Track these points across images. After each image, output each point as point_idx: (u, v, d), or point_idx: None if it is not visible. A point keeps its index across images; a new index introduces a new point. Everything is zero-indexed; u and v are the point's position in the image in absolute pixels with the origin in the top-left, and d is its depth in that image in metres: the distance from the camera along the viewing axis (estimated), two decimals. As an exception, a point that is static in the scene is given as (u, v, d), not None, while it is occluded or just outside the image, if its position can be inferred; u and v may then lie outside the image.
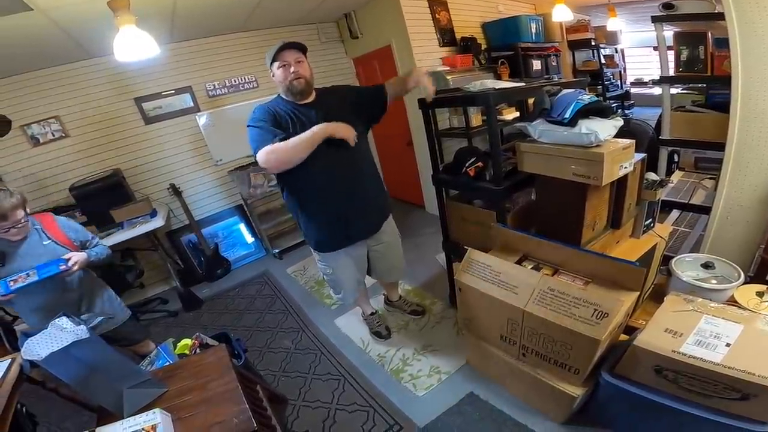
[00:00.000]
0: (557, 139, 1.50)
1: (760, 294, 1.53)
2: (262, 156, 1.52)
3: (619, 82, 5.05)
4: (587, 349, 1.35)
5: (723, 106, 1.89)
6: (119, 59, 1.83)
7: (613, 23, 4.26)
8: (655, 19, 2.20)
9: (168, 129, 3.43)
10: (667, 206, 2.42)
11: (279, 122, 1.59)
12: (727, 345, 1.17)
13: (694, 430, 1.28)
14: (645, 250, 1.72)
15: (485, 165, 1.82)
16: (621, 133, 1.58)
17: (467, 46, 3.60)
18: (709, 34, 2.11)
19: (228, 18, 3.07)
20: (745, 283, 1.60)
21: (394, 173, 4.37)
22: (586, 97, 1.47)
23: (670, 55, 2.28)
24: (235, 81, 3.61)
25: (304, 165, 1.55)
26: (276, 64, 1.60)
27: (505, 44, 3.74)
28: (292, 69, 1.59)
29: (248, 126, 1.61)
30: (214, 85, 3.52)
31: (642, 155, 1.63)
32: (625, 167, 1.45)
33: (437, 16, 3.63)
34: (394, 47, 3.52)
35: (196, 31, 3.21)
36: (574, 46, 4.86)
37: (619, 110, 4.90)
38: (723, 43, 1.85)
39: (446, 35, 3.66)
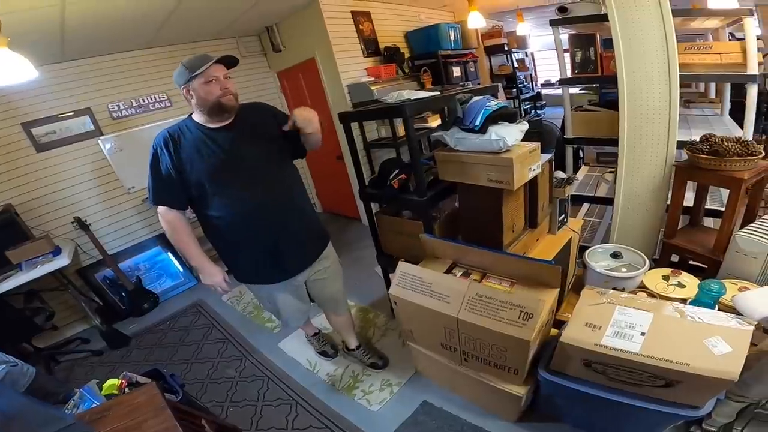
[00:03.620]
0: (471, 147, 1.53)
1: (665, 278, 1.65)
2: (159, 210, 1.47)
3: (531, 84, 5.45)
4: (520, 350, 1.39)
5: (615, 104, 2.04)
6: (-7, 83, 1.61)
7: (521, 28, 4.58)
8: (552, 23, 2.36)
9: (65, 156, 3.05)
10: (578, 200, 2.61)
11: (176, 158, 1.40)
12: (642, 334, 1.21)
13: (632, 418, 1.34)
14: (562, 245, 1.82)
15: (409, 176, 1.82)
16: (534, 134, 1.67)
17: (391, 55, 3.65)
18: (598, 36, 2.30)
19: (132, 33, 2.81)
20: (651, 268, 1.73)
21: (328, 188, 4.32)
22: (494, 104, 1.52)
23: (571, 58, 2.46)
24: (144, 100, 3.31)
25: (220, 193, 1.42)
26: (199, 80, 1.36)
27: (427, 52, 3.85)
28: (221, 85, 1.38)
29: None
30: (118, 106, 3.19)
31: (549, 156, 1.73)
32: (534, 169, 1.52)
33: (361, 27, 3.64)
34: (319, 60, 3.47)
35: (93, 48, 2.90)
36: (490, 51, 5.16)
37: (533, 111, 5.29)
38: (609, 43, 1.97)
39: (370, 46, 3.69)
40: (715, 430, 1.39)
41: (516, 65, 5.09)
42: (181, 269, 3.61)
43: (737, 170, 1.60)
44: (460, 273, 1.65)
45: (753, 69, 1.83)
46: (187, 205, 1.49)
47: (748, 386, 1.27)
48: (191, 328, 2.91)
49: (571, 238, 1.87)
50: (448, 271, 1.67)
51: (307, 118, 1.45)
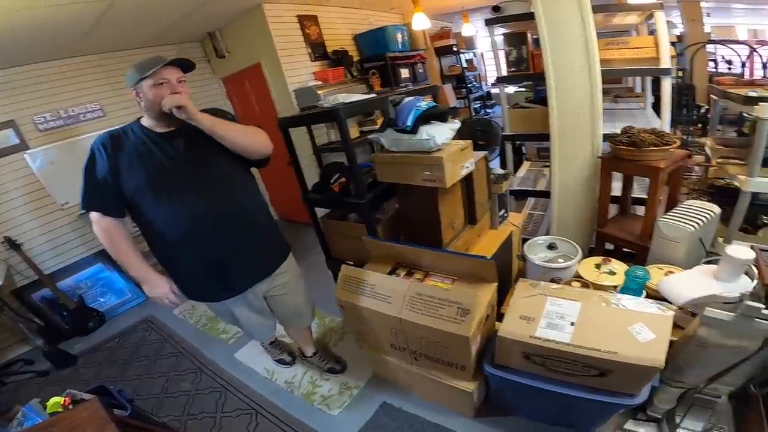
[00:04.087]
0: (405, 147, 1.55)
1: (597, 266, 1.72)
2: (91, 217, 1.35)
3: (480, 84, 5.61)
4: (462, 346, 1.40)
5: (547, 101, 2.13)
6: None
7: (467, 29, 4.69)
8: (488, 23, 2.43)
9: (-14, 173, 2.81)
10: (521, 194, 2.70)
11: (114, 161, 1.30)
12: (572, 324, 1.22)
13: (576, 408, 1.37)
14: (503, 240, 1.87)
15: (349, 179, 1.81)
16: (482, 132, 1.69)
17: (339, 59, 3.63)
18: (529, 34, 2.38)
19: (54, 41, 2.62)
20: (586, 257, 1.80)
21: (282, 194, 4.24)
22: (424, 104, 1.54)
23: (505, 56, 2.53)
24: (73, 111, 3.09)
25: (159, 202, 1.32)
26: (148, 81, 1.28)
27: (375, 55, 3.86)
28: (172, 89, 1.30)
29: None
30: (44, 118, 2.97)
31: (483, 153, 1.77)
32: (467, 167, 1.55)
33: (307, 30, 3.60)
34: (264, 65, 3.40)
35: (12, 58, 2.68)
36: (439, 52, 5.26)
37: (482, 110, 5.45)
38: (538, 41, 2.03)
39: (317, 49, 3.65)
40: (659, 416, 1.43)
41: (465, 65, 5.22)
42: (127, 285, 3.42)
43: (654, 160, 1.70)
44: (404, 273, 1.66)
45: (665, 62, 1.96)
46: (123, 212, 1.37)
47: (681, 371, 1.30)
48: (142, 344, 2.81)
49: (511, 232, 1.93)
50: (392, 272, 1.67)
51: (173, 102, 1.27)
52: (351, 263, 1.81)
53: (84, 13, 2.28)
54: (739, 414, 1.41)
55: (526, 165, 2.95)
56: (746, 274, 1.42)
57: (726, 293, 1.35)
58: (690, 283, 1.46)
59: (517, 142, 3.06)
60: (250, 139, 1.44)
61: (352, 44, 4.05)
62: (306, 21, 3.58)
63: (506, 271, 1.96)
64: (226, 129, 1.37)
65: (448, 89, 4.69)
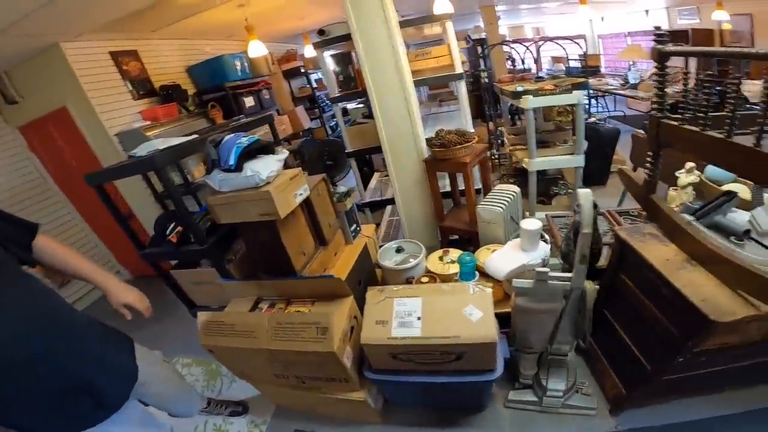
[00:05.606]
0: (234, 186, 1.51)
1: (441, 258, 1.95)
2: None
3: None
4: (333, 361, 1.43)
5: (376, 115, 2.31)
6: None
7: (309, 50, 4.81)
8: (316, 46, 2.54)
9: None
10: (375, 205, 2.90)
11: None
12: (419, 319, 1.34)
13: (455, 392, 1.50)
14: (359, 252, 1.97)
15: (185, 227, 1.69)
16: (330, 153, 1.69)
17: (169, 94, 3.35)
18: (353, 54, 2.56)
19: None
20: (432, 252, 1.99)
21: (131, 250, 3.71)
22: (245, 140, 1.52)
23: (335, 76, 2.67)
24: None
25: None
26: None
27: (214, 86, 3.69)
28: None
29: None
30: None
31: (321, 175, 1.84)
32: (301, 194, 1.59)
33: (125, 67, 3.24)
34: (72, 109, 2.94)
35: None
36: (288, 74, 5.29)
37: (339, 128, 5.68)
38: None
39: (142, 86, 3.32)
40: (530, 381, 1.63)
41: (315, 85, 5.35)
42: None
43: (461, 156, 2.01)
44: (267, 305, 1.65)
45: (459, 68, 2.31)
46: None
47: (525, 339, 1.49)
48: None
49: (365, 243, 2.05)
50: (254, 307, 1.65)
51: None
52: (216, 307, 1.75)
53: None
54: (592, 367, 1.69)
55: (376, 176, 3.17)
56: (543, 240, 1.77)
57: (532, 261, 1.67)
58: (505, 258, 1.75)
59: (367, 156, 3.26)
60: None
61: (186, 77, 3.80)
62: (122, 57, 3.23)
63: (371, 280, 2.07)
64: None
65: (300, 111, 4.73)
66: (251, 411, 2.00)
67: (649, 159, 1.27)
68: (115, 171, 1.66)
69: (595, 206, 1.62)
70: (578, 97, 2.14)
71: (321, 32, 2.78)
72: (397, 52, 2.04)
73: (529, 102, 2.03)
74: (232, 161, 1.48)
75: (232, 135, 1.59)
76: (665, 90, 1.17)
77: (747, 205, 1.28)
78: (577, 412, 1.57)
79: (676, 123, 1.13)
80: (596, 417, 1.55)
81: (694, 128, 1.06)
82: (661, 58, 1.11)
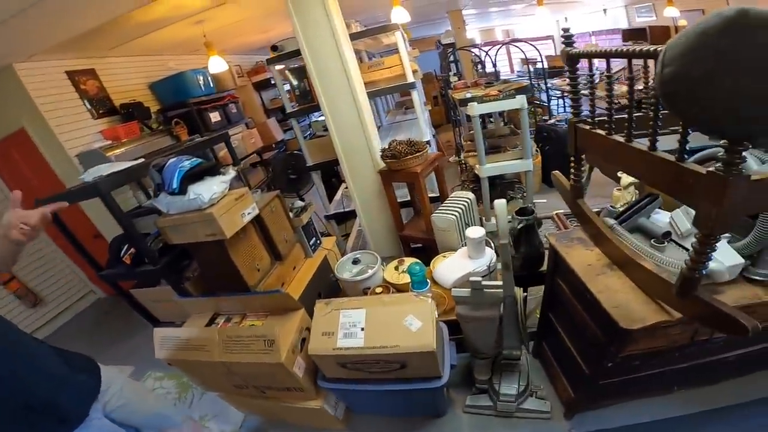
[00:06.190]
0: (179, 209, 1.53)
1: (396, 268, 1.97)
2: None
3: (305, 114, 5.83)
4: (284, 372, 1.46)
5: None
6: None
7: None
8: (269, 62, 2.56)
9: None
10: (338, 217, 2.92)
11: None
12: (362, 329, 1.37)
13: (408, 398, 1.53)
14: (318, 265, 2.00)
15: (137, 249, 1.70)
16: (293, 167, 1.68)
17: (130, 112, 3.33)
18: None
19: None
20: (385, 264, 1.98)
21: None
22: (187, 163, 1.54)
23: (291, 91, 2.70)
24: None
25: None
26: None
27: (178, 102, 3.68)
28: None
29: None
30: None
31: (275, 192, 1.87)
32: (249, 213, 1.62)
33: (83, 86, 3.22)
34: (30, 130, 2.91)
35: None
36: (259, 87, 5.30)
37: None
38: None
39: (101, 105, 3.30)
40: (485, 386, 1.64)
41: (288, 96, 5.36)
42: None
43: (413, 166, 2.06)
44: (223, 320, 1.67)
45: (410, 77, 2.36)
46: None
47: (474, 345, 1.52)
48: None
49: (325, 256, 2.08)
50: (210, 322, 1.67)
51: None
52: (180, 323, 1.74)
53: None
54: (547, 371, 1.70)
55: (341, 188, 3.19)
56: (489, 246, 1.82)
57: (478, 268, 1.72)
58: (452, 267, 1.79)
59: (335, 167, 3.28)
60: None
61: (148, 94, 3.78)
62: (80, 76, 3.21)
63: (332, 292, 2.08)
64: None
65: (272, 123, 4.73)
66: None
67: (571, 164, 1.30)
68: (61, 197, 1.66)
69: (531, 213, 1.70)
70: (521, 101, 2.20)
71: (274, 48, 2.81)
72: (346, 64, 2.08)
73: (474, 109, 2.09)
74: (175, 185, 1.50)
75: (175, 158, 1.61)
76: (579, 92, 1.14)
77: (675, 206, 1.24)
78: (531, 416, 1.58)
79: (587, 127, 1.10)
80: (551, 420, 1.56)
81: (601, 132, 1.04)
82: (570, 60, 1.05)
